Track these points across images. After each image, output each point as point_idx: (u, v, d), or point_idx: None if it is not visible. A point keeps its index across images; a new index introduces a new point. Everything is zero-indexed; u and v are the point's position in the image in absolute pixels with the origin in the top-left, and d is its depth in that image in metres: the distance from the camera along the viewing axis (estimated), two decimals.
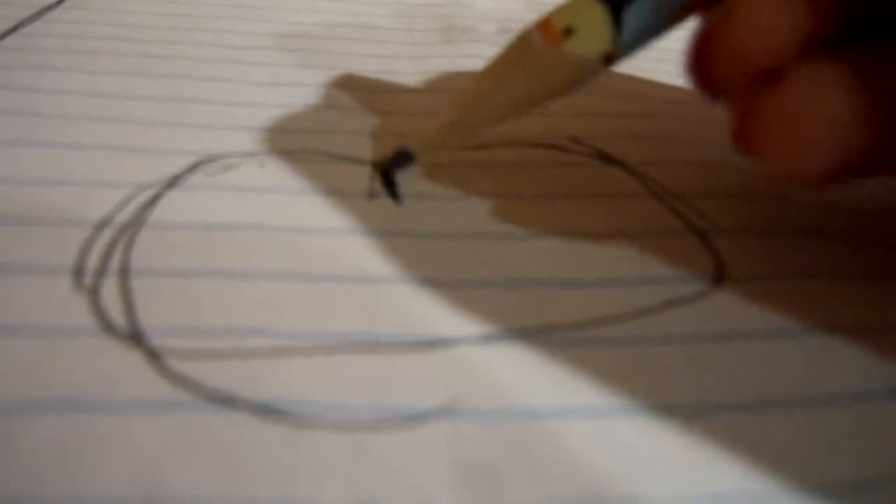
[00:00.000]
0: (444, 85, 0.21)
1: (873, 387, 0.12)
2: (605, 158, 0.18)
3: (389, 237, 0.14)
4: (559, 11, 0.14)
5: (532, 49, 0.14)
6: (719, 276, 0.14)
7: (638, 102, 0.21)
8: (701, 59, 0.12)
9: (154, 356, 0.11)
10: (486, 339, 0.12)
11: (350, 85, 0.21)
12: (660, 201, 0.16)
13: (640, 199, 0.16)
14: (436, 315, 0.13)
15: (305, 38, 0.24)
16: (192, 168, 0.16)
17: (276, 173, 0.16)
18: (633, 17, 0.13)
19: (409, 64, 0.22)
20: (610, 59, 0.14)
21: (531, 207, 0.16)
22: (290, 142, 0.17)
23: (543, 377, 0.12)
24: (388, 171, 0.15)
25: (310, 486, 0.10)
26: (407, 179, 0.16)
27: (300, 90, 0.20)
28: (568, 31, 0.13)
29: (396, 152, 0.15)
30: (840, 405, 0.11)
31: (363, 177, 0.16)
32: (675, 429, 0.11)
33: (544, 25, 0.14)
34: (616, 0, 0.13)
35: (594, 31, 0.13)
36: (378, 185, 0.16)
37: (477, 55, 0.23)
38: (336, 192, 0.16)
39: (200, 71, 0.20)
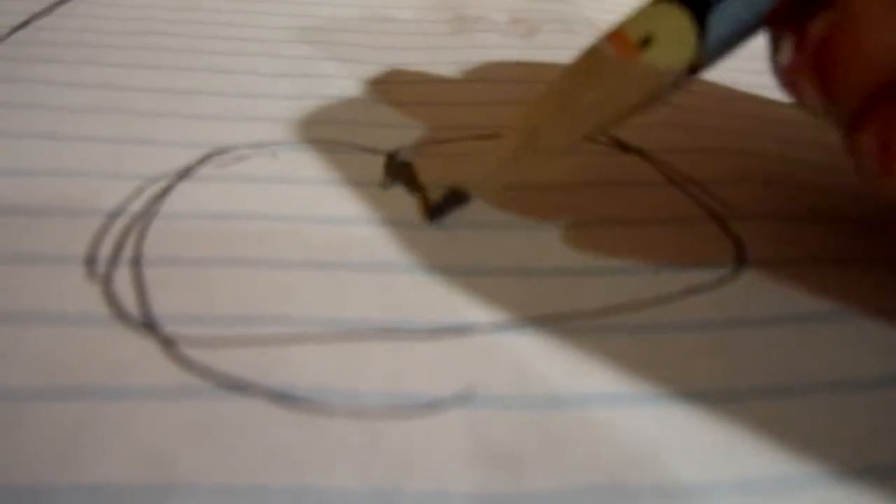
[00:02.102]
0: (454, 76, 0.21)
1: None
2: (623, 146, 0.17)
3: (404, 226, 0.14)
4: (633, 20, 0.12)
5: (606, 61, 0.12)
6: (740, 262, 0.14)
7: None
8: (820, 71, 0.11)
9: (167, 343, 0.11)
10: (504, 327, 0.12)
11: (361, 76, 0.20)
12: (678, 188, 0.16)
13: (658, 186, 0.16)
14: (453, 302, 0.12)
15: (316, 30, 0.23)
16: (204, 159, 0.16)
17: (288, 164, 0.16)
18: (720, 21, 0.12)
19: (420, 55, 0.22)
20: (695, 68, 0.12)
21: (548, 196, 0.15)
22: (302, 132, 0.17)
23: (563, 364, 0.11)
24: (439, 212, 0.14)
25: (325, 475, 0.10)
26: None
27: (311, 81, 0.20)
28: (646, 41, 0.12)
29: (449, 192, 0.14)
30: (866, 390, 0.11)
31: (376, 166, 0.16)
32: (699, 416, 0.11)
33: (616, 36, 0.12)
34: (699, 3, 0.12)
35: (677, 39, 0.12)
36: (389, 176, 0.16)
37: (488, 45, 0.23)
38: (349, 182, 0.15)
39: (212, 63, 0.20)
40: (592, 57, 0.13)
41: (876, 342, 0.12)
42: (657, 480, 0.10)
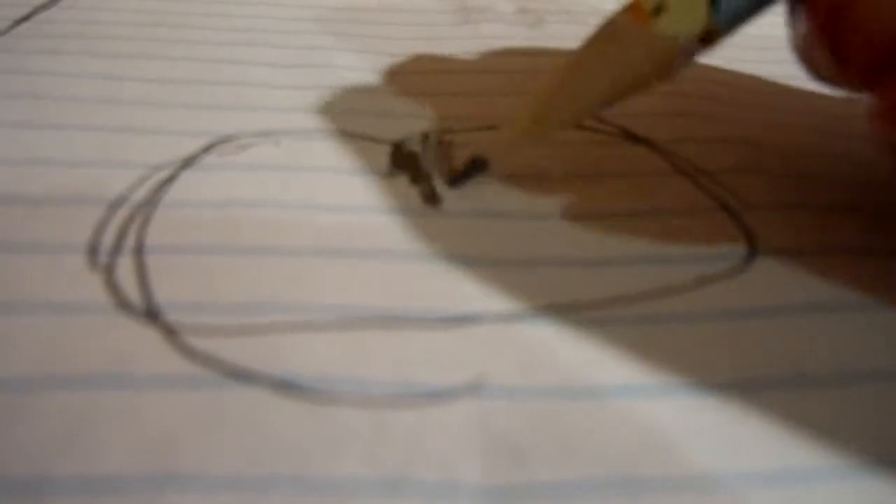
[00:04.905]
0: (460, 66, 0.21)
1: None
2: (630, 137, 0.17)
3: (410, 215, 0.14)
4: None
5: (620, 31, 0.13)
6: (751, 252, 0.13)
7: None
8: (830, 38, 0.11)
9: (170, 332, 0.11)
10: (512, 317, 0.12)
11: (366, 65, 0.20)
12: (687, 178, 0.16)
13: (666, 176, 0.16)
14: (461, 291, 0.12)
15: (320, 21, 0.23)
16: (207, 148, 0.16)
17: (292, 152, 0.16)
18: None
19: (425, 45, 0.22)
20: (707, 38, 0.12)
21: (557, 186, 0.15)
22: (305, 121, 0.17)
23: (573, 354, 0.11)
24: (460, 179, 0.15)
25: (330, 464, 0.09)
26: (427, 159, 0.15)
27: (315, 71, 0.20)
28: (658, 9, 0.12)
29: (469, 160, 0.15)
30: (880, 381, 0.11)
31: (380, 156, 0.16)
32: (711, 406, 0.10)
33: (632, 7, 0.13)
34: None
35: (688, 7, 0.12)
36: (395, 166, 0.15)
37: (494, 36, 0.23)
38: (353, 171, 0.15)
39: (215, 53, 0.20)
40: (608, 27, 0.13)
41: (889, 333, 0.12)
42: (669, 471, 0.10)
